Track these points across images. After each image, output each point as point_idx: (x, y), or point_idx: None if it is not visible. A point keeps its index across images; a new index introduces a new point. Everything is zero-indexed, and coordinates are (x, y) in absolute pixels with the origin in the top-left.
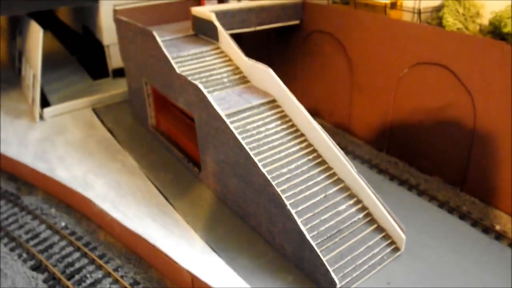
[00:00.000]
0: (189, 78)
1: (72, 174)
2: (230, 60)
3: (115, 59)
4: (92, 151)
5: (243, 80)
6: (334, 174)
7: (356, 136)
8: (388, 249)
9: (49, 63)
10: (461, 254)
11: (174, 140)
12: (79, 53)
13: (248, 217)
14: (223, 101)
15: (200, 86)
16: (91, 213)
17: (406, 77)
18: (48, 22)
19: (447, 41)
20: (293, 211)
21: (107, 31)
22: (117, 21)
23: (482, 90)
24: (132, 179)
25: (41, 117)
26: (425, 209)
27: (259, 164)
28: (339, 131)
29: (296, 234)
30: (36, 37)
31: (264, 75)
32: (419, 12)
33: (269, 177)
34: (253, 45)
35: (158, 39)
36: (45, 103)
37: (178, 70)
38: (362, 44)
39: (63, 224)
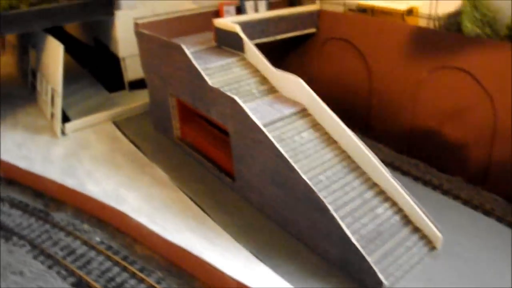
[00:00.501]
0: (220, 90)
1: (103, 188)
2: (257, 70)
3: (131, 72)
4: (120, 164)
5: (272, 90)
6: (369, 178)
7: (375, 139)
8: (426, 248)
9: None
10: (493, 249)
11: (202, 150)
12: (92, 66)
13: (288, 224)
14: (256, 112)
15: (237, 99)
16: (127, 227)
17: (425, 81)
18: (56, 34)
19: (466, 46)
20: (337, 216)
21: (123, 44)
22: (139, 34)
23: (501, 91)
24: (164, 192)
25: (63, 132)
26: (452, 207)
27: (300, 172)
28: (358, 135)
29: (340, 238)
30: (56, 53)
31: (293, 85)
32: (437, 19)
33: (311, 184)
34: (268, 54)
35: (188, 52)
36: (64, 118)
37: (210, 83)
38: (381, 50)
39: (97, 239)
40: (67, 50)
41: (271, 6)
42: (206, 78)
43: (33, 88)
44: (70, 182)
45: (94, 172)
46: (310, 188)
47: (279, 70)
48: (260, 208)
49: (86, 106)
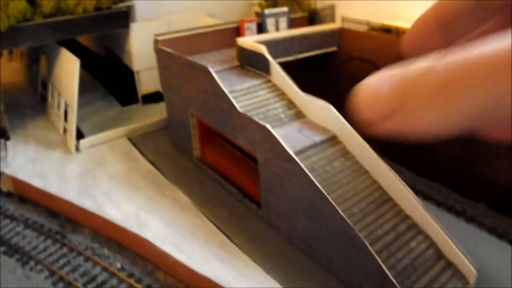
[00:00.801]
0: (250, 116)
1: (123, 212)
2: (283, 93)
3: (145, 85)
4: (139, 185)
5: (299, 115)
6: (401, 210)
7: (395, 162)
8: (460, 284)
9: None
10: None
11: (223, 172)
12: (103, 77)
13: (319, 257)
14: (286, 139)
15: (269, 127)
16: (150, 253)
17: None
18: (65, 43)
19: None
20: (373, 252)
21: (138, 58)
22: (159, 51)
23: None
24: (188, 217)
25: (77, 148)
26: (478, 236)
27: (335, 205)
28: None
29: (377, 273)
30: (72, 68)
31: (323, 111)
32: None
33: (346, 217)
34: (288, 72)
35: (215, 75)
36: (77, 133)
37: (239, 109)
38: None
39: (118, 265)
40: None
41: (291, 23)
42: (235, 103)
43: (42, 98)
44: (87, 203)
45: (112, 194)
46: (346, 222)
47: (307, 94)
48: (289, 237)
49: (99, 120)
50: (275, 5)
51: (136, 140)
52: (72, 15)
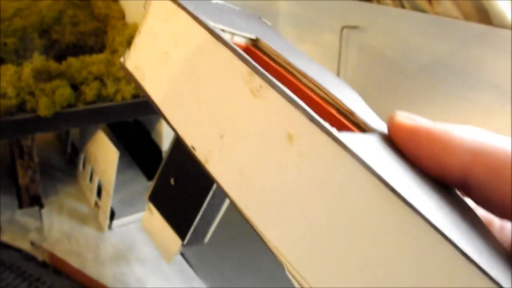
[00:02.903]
0: None
1: None
2: None
3: None
4: (169, 276)
5: None
6: None
7: None
8: None
9: None
10: None
11: None
12: (129, 143)
13: None
14: None
15: None
16: None
17: None
18: None
19: None
20: None
21: (167, 138)
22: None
23: None
24: None
25: (109, 227)
26: None
27: None
28: None
29: None
30: (110, 158)
31: None
32: None
33: None
34: None
35: None
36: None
37: None
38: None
39: None
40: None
41: None
42: None
43: (71, 160)
44: None
45: (145, 283)
46: None
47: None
48: None
49: (127, 194)
50: None
51: None
52: (111, 102)
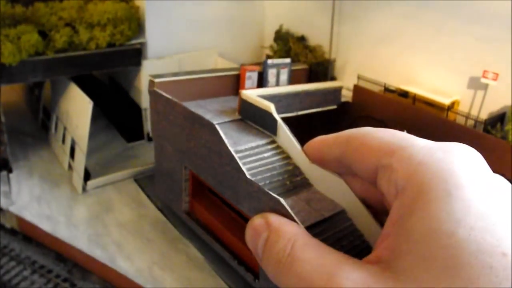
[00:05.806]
0: (261, 187)
1: (136, 266)
2: (289, 157)
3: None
4: (150, 237)
5: (305, 182)
6: None
7: None
8: None
9: None
10: None
11: (216, 233)
12: (105, 106)
13: None
14: (295, 211)
15: (282, 201)
16: None
17: None
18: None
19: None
20: None
21: (147, 95)
22: (154, 94)
23: None
24: (202, 277)
25: (84, 189)
26: None
27: None
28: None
29: None
30: (83, 110)
31: (334, 184)
32: (479, 122)
33: None
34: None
35: (222, 134)
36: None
37: (248, 176)
38: (419, 136)
39: None
40: (75, 81)
41: (292, 75)
42: (243, 168)
43: (43, 126)
44: (99, 254)
45: (124, 244)
46: None
47: (316, 164)
48: None
49: (104, 156)
50: (288, 50)
51: (143, 183)
52: (84, 51)
